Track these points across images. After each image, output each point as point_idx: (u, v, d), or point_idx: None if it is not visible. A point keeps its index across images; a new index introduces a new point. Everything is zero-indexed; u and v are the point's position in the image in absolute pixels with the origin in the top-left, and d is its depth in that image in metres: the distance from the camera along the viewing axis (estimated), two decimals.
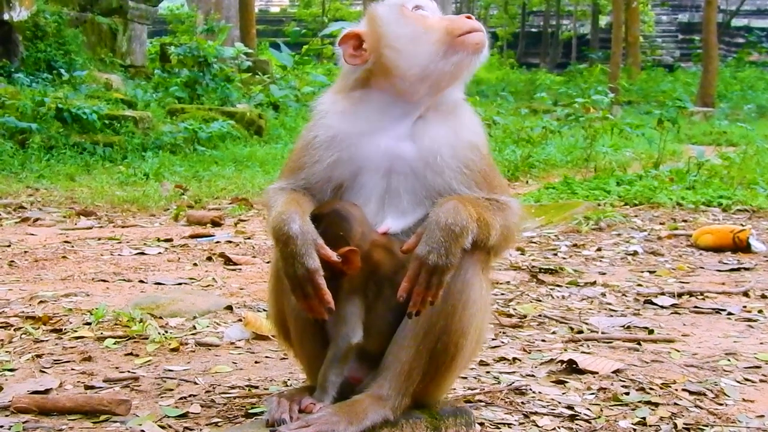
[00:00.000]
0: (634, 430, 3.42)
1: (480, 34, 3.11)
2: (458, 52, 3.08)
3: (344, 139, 3.12)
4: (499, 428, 3.41)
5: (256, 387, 3.86)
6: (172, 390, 3.78)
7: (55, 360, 4.24)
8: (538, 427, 3.43)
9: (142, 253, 7.43)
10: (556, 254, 7.52)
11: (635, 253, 7.55)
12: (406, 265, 2.91)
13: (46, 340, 4.58)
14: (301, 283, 2.86)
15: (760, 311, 5.52)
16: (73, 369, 4.11)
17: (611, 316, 5.39)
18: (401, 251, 2.93)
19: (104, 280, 6.24)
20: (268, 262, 6.80)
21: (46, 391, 3.73)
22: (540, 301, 5.75)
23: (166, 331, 4.72)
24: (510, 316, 5.29)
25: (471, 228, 2.88)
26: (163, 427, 3.31)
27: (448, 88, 3.16)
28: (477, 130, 3.21)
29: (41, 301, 5.47)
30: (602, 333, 4.90)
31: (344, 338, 3.04)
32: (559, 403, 3.68)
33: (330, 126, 3.16)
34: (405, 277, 2.87)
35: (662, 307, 5.65)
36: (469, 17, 3.14)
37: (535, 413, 3.56)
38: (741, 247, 7.65)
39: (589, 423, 3.47)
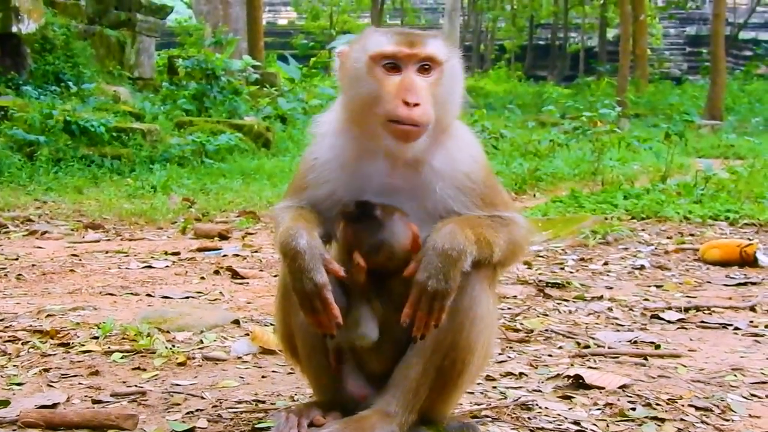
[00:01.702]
0: None
1: (405, 129, 2.92)
2: (388, 135, 2.96)
3: (343, 161, 3.12)
4: None
5: (263, 402, 3.86)
6: (179, 404, 3.79)
7: (62, 374, 4.24)
8: None
9: (150, 267, 7.44)
10: (563, 268, 7.52)
11: (642, 267, 7.55)
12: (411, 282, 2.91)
13: (54, 354, 4.58)
14: (309, 298, 2.87)
15: (767, 326, 5.51)
16: (80, 383, 4.11)
17: (618, 330, 5.38)
18: (403, 276, 2.93)
19: (112, 294, 6.25)
20: (275, 276, 6.81)
21: (54, 406, 3.73)
22: (547, 315, 5.75)
23: (174, 345, 4.73)
24: (517, 330, 5.29)
25: (469, 251, 2.87)
26: None
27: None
28: (475, 152, 3.18)
29: (49, 315, 5.48)
30: (609, 348, 4.90)
31: (361, 337, 3.04)
32: (566, 418, 3.68)
33: (329, 148, 3.16)
34: (407, 302, 2.88)
35: (669, 321, 5.64)
36: (406, 102, 2.91)
37: (542, 428, 3.55)
38: (748, 261, 7.64)
39: None
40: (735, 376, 4.38)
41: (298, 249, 2.88)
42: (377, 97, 2.95)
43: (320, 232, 3.02)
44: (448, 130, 3.11)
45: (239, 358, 4.59)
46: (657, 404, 3.88)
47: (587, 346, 4.94)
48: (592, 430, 3.54)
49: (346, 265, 3.01)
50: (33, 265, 7.36)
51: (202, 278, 6.95)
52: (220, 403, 3.82)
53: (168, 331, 5.00)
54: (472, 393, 3.99)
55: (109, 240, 9.13)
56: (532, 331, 5.27)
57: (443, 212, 3.04)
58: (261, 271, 7.27)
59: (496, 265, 3.08)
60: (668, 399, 3.96)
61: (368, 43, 3.04)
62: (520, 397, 3.94)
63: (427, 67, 2.99)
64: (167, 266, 7.49)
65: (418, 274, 2.86)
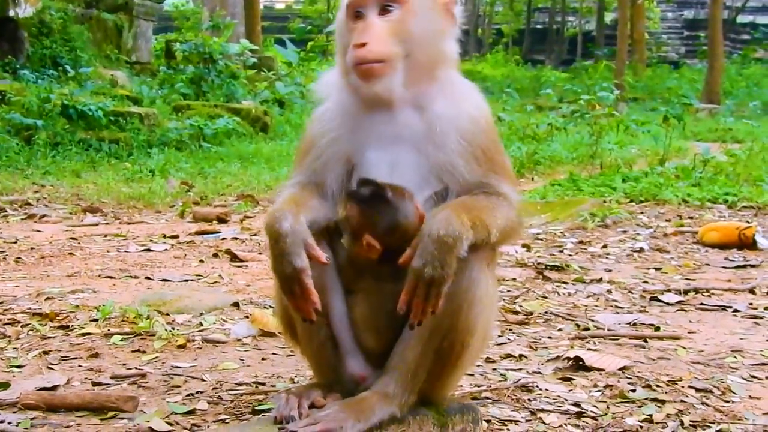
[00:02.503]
0: (641, 427, 3.42)
1: (363, 68, 2.97)
2: (355, 78, 3.01)
3: (346, 112, 3.13)
4: (506, 425, 3.42)
5: (263, 384, 3.87)
6: (179, 387, 3.79)
7: (62, 356, 4.25)
8: (545, 424, 3.44)
9: (149, 250, 7.44)
10: (562, 251, 7.52)
11: (641, 250, 7.55)
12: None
13: (53, 337, 4.59)
14: (288, 281, 2.86)
15: (766, 308, 5.53)
16: (80, 366, 4.12)
17: (617, 313, 5.39)
18: (399, 263, 2.90)
19: (111, 277, 6.25)
20: None
21: (54, 388, 3.74)
22: (546, 298, 5.75)
23: (173, 328, 4.73)
24: (516, 313, 5.30)
25: (465, 236, 2.82)
26: (170, 424, 3.32)
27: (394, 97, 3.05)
28: (479, 104, 3.18)
29: (48, 298, 5.48)
30: (608, 330, 4.91)
31: None
32: (566, 400, 3.69)
33: (333, 101, 3.18)
34: (403, 290, 2.85)
35: (668, 304, 5.65)
36: (359, 45, 2.97)
37: (542, 410, 3.56)
38: (747, 243, 7.66)
39: (596, 420, 3.47)
40: (735, 357, 4.40)
41: (281, 232, 2.87)
42: (346, 46, 3.04)
43: (315, 216, 3.01)
44: (438, 72, 3.12)
45: (239, 340, 4.60)
46: (657, 386, 3.89)
47: (587, 328, 4.95)
48: (592, 411, 3.55)
49: (339, 245, 3.01)
50: (32, 249, 7.36)
51: (201, 261, 6.95)
52: (221, 385, 3.83)
53: (167, 314, 5.00)
54: (472, 375, 3.99)
55: (107, 223, 9.13)
56: (531, 313, 5.28)
57: (445, 165, 3.02)
58: (260, 254, 7.26)
59: (493, 245, 3.06)
60: (668, 380, 3.97)
61: None
62: (520, 379, 3.95)
63: (388, 7, 3.02)
64: (166, 249, 7.48)
65: (414, 261, 2.82)
